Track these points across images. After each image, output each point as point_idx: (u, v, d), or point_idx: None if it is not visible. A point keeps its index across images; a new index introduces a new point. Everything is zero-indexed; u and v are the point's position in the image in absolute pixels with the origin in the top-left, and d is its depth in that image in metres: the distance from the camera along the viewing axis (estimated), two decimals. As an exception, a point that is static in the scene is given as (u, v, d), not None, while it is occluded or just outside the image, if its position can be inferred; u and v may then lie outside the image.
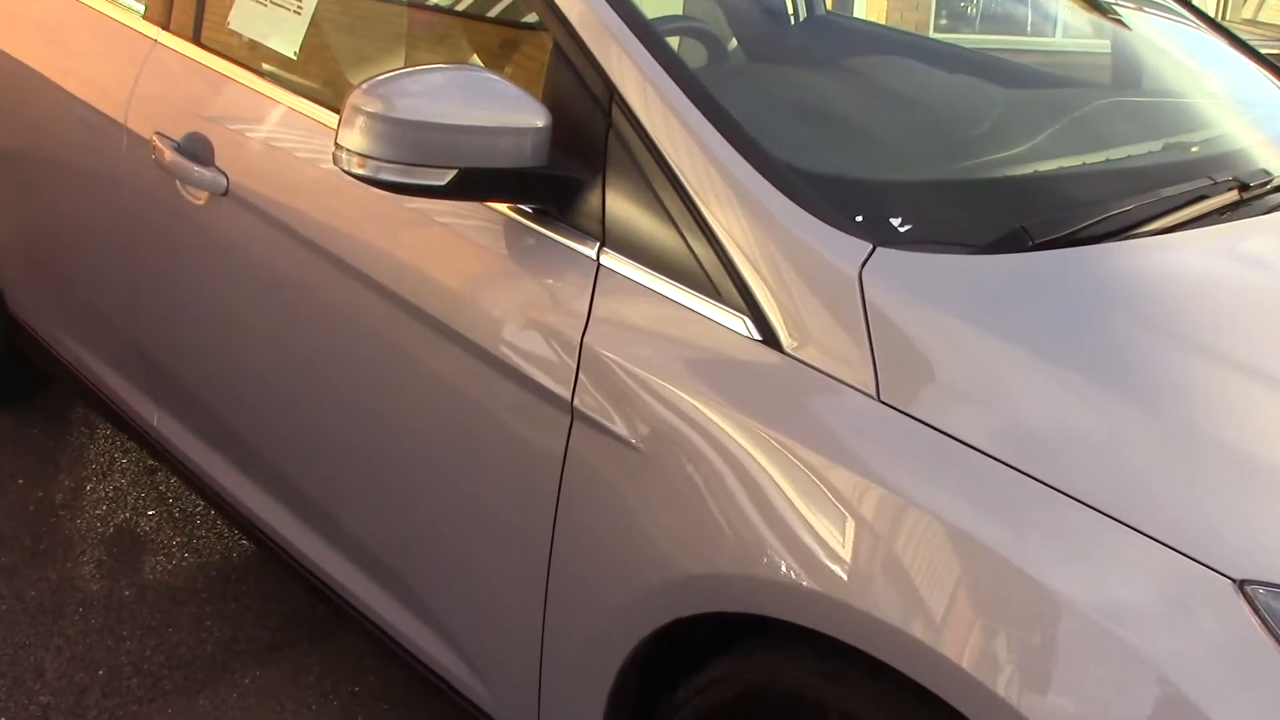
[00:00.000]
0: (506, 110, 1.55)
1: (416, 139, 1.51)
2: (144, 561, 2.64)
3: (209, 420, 2.26)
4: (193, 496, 2.84)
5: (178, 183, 2.09)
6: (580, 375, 1.55)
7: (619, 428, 1.50)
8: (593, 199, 1.59)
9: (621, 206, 1.56)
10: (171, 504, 2.85)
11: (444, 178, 1.54)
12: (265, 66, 2.08)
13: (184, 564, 2.64)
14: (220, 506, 2.32)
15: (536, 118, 1.55)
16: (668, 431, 1.45)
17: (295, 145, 1.96)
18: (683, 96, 1.55)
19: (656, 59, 1.58)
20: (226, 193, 2.01)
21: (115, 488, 2.90)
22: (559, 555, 1.62)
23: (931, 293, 1.38)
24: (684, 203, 1.51)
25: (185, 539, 2.73)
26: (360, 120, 1.52)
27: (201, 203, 2.06)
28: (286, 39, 2.07)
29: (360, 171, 1.54)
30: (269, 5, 2.09)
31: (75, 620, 2.44)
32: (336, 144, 1.55)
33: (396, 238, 1.78)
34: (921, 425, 1.30)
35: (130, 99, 2.24)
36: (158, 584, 2.57)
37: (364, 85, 1.53)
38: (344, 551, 2.02)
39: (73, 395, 2.83)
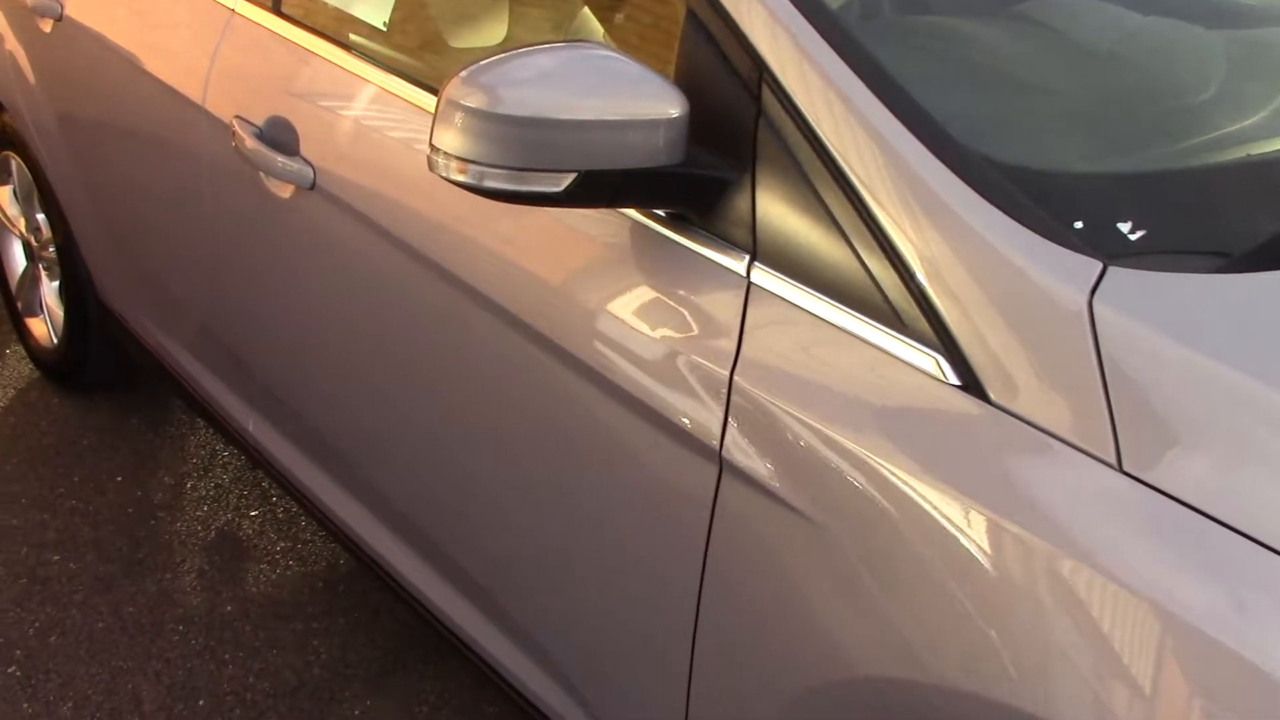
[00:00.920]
0: (634, 98, 1.27)
1: (526, 138, 1.25)
2: (247, 570, 2.46)
3: (305, 428, 2.05)
4: (296, 496, 2.65)
5: (260, 174, 1.86)
6: (729, 420, 1.28)
7: (779, 487, 1.23)
8: (740, 202, 1.31)
9: (776, 211, 1.28)
10: (275, 503, 2.67)
11: (561, 183, 1.27)
12: (352, 39, 1.83)
13: (289, 573, 2.46)
14: (320, 519, 2.11)
15: (671, 106, 1.27)
16: (841, 498, 1.18)
17: (388, 131, 1.71)
18: (850, 74, 1.25)
19: (816, 27, 1.29)
20: (314, 186, 1.77)
21: (217, 485, 2.73)
22: (706, 618, 1.37)
23: (1185, 326, 1.07)
24: (855, 208, 1.22)
25: (290, 543, 2.55)
26: (458, 117, 1.26)
27: (287, 196, 1.83)
28: (375, 6, 1.81)
29: (461, 179, 1.28)
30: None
31: (174, 640, 2.27)
32: (431, 145, 1.29)
33: (507, 242, 1.52)
34: (1182, 508, 1.00)
35: (208, 77, 2.00)
36: (261, 596, 2.39)
37: (461, 74, 1.27)
38: (452, 581, 1.79)
39: (159, 380, 2.66)
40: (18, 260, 3.15)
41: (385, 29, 1.79)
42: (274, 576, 2.45)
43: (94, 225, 2.62)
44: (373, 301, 1.73)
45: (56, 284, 3.00)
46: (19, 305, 3.13)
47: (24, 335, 3.14)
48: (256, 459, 2.28)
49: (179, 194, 2.17)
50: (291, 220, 1.85)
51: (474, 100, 1.25)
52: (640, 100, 1.27)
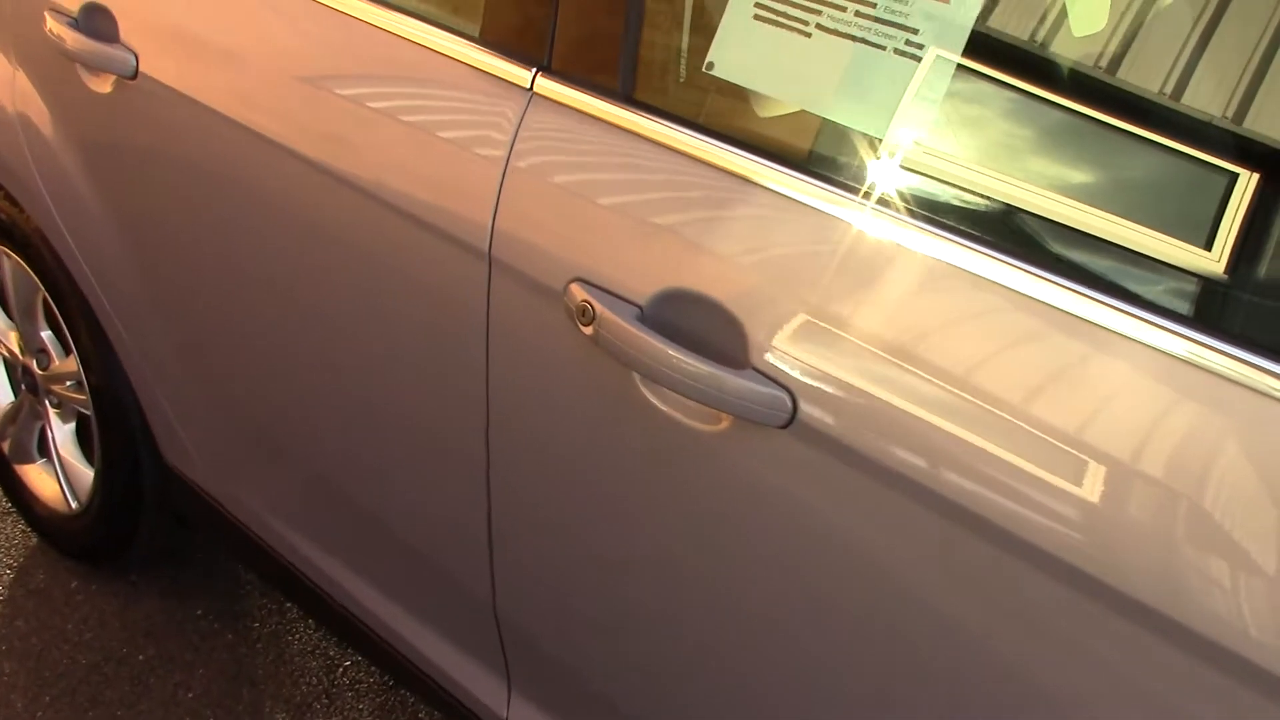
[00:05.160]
0: None
1: None
2: None
3: (449, 617, 1.33)
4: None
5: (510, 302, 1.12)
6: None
7: None
8: None
9: None
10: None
11: None
12: None
13: None
14: None
15: None
16: None
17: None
18: None
19: None
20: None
21: (309, 691, 1.95)
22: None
23: None
24: None
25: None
26: None
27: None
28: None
29: None
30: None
31: None
32: None
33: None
34: None
35: (383, 160, 1.24)
36: None
37: None
38: None
39: (245, 564, 1.89)
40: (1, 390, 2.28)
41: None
42: None
43: (162, 359, 1.80)
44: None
45: (72, 427, 2.15)
46: (4, 450, 2.27)
47: (16, 491, 2.27)
48: (380, 652, 1.53)
49: (322, 327, 1.41)
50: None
51: None
52: None
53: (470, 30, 1.30)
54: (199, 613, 2.14)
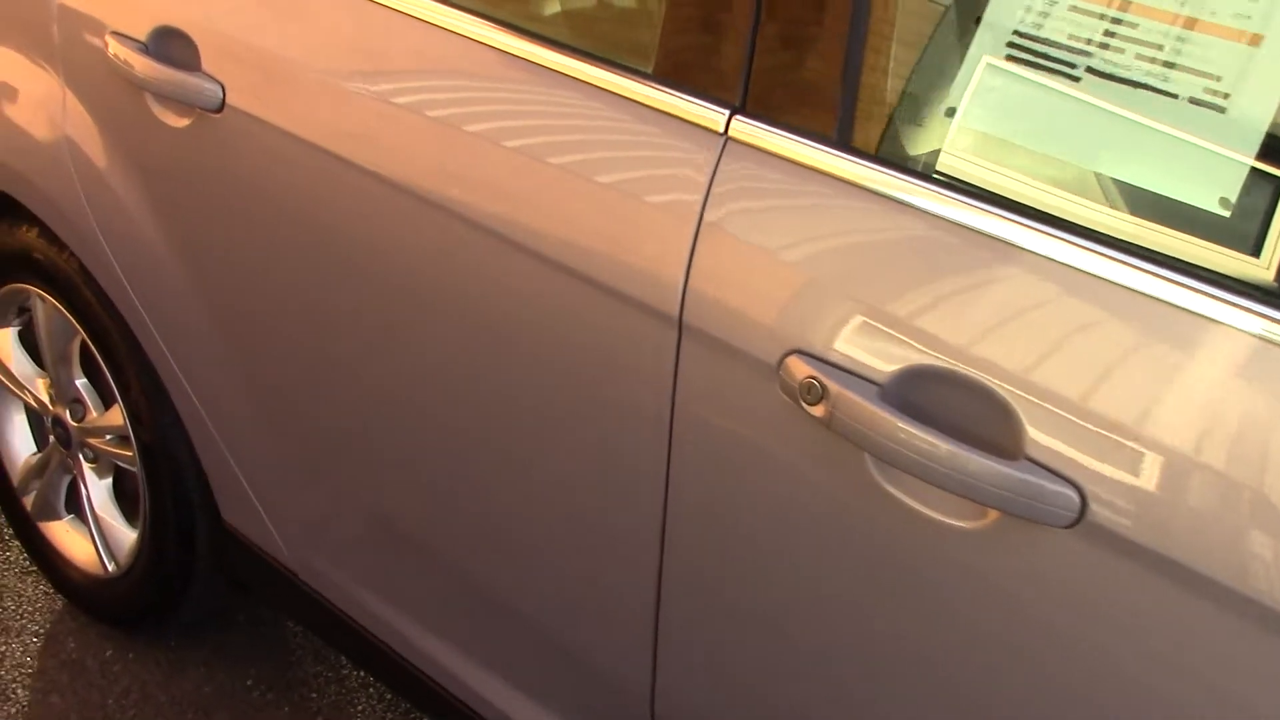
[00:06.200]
0: None
1: None
2: None
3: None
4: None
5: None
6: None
7: None
8: None
9: None
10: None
11: None
12: None
13: None
14: None
15: None
16: None
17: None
18: None
19: None
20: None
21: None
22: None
23: None
24: None
25: None
26: None
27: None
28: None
29: None
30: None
31: None
32: None
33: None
34: None
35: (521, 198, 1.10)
36: None
37: None
38: None
39: (325, 639, 1.74)
40: (20, 440, 2.10)
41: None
42: None
43: (232, 415, 1.64)
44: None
45: (108, 483, 1.98)
46: (26, 506, 2.08)
47: (40, 550, 2.09)
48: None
49: (450, 391, 1.26)
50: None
51: None
52: None
53: (641, 65, 1.16)
54: (249, 683, 1.97)
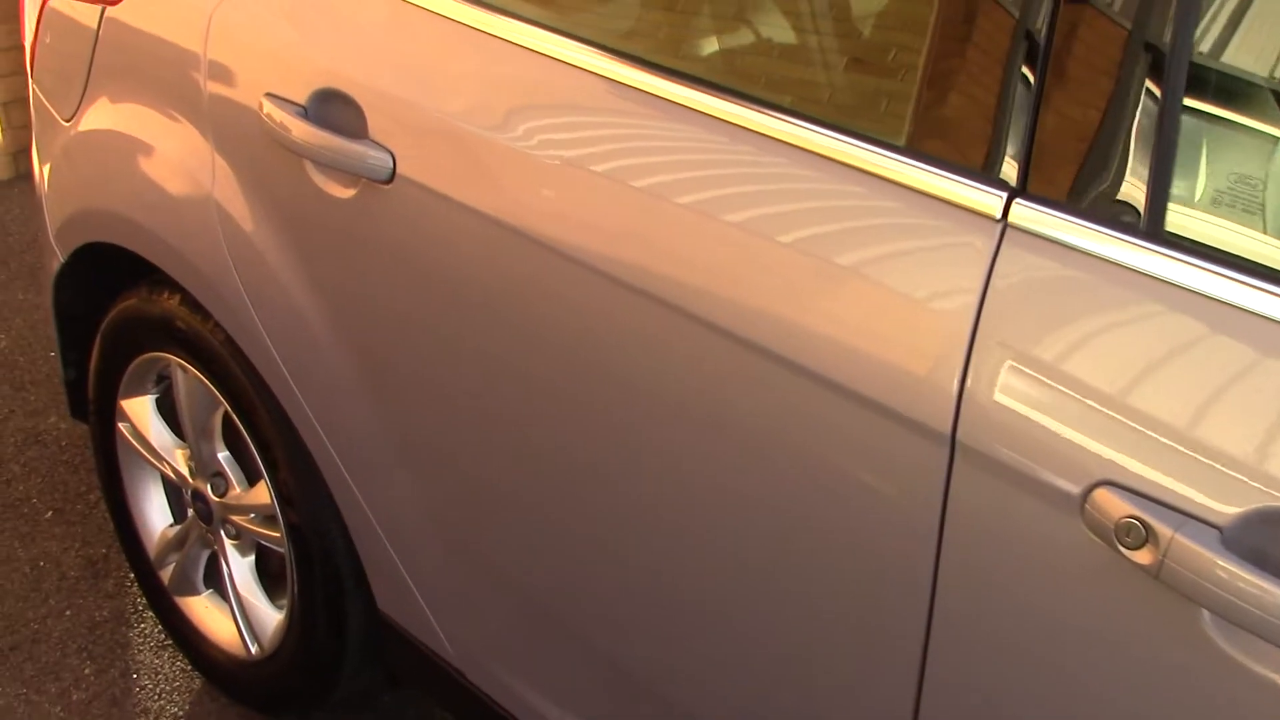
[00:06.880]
0: None
1: None
2: None
3: None
4: None
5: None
6: None
7: None
8: None
9: None
10: None
11: None
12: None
13: None
14: None
15: None
16: None
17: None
18: None
19: None
20: None
21: None
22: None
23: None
24: None
25: None
26: None
27: None
28: None
29: None
30: None
31: None
32: None
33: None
34: None
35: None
36: None
37: None
38: None
39: None
40: (157, 512, 2.00)
41: None
42: None
43: (394, 503, 1.52)
44: None
45: (251, 561, 1.87)
46: (163, 579, 1.99)
47: (177, 626, 1.99)
48: None
49: (650, 494, 1.12)
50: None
51: None
52: None
53: (889, 137, 1.01)
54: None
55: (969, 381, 0.92)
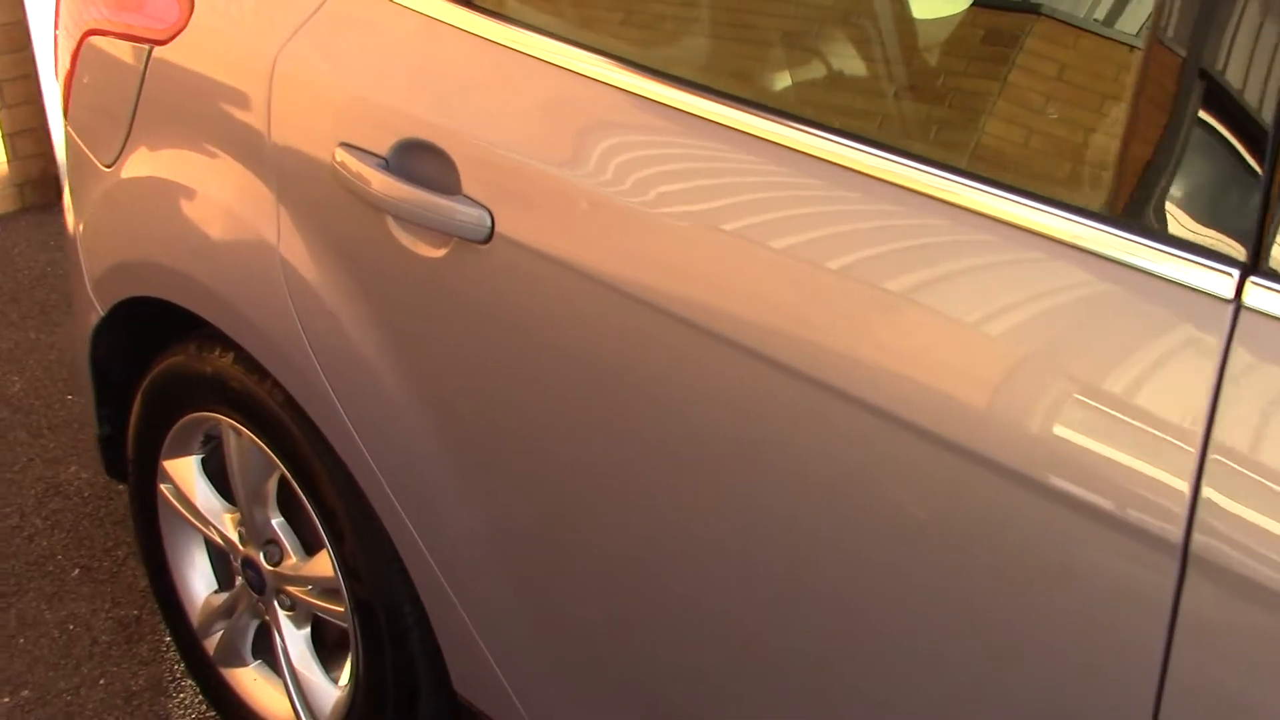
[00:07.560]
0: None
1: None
2: None
3: None
4: None
5: None
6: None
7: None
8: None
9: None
10: None
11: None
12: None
13: None
14: None
15: None
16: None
17: None
18: None
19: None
20: None
21: None
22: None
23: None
24: None
25: None
26: None
27: None
28: None
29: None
30: None
31: None
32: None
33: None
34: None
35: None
36: None
37: None
38: None
39: None
40: (200, 579, 1.88)
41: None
42: None
43: (477, 580, 1.40)
44: None
45: (307, 633, 1.75)
46: (207, 649, 1.87)
47: (223, 700, 1.87)
48: None
49: (774, 582, 1.01)
50: None
51: None
52: None
53: (1085, 202, 0.91)
54: None
55: (1203, 485, 0.82)
